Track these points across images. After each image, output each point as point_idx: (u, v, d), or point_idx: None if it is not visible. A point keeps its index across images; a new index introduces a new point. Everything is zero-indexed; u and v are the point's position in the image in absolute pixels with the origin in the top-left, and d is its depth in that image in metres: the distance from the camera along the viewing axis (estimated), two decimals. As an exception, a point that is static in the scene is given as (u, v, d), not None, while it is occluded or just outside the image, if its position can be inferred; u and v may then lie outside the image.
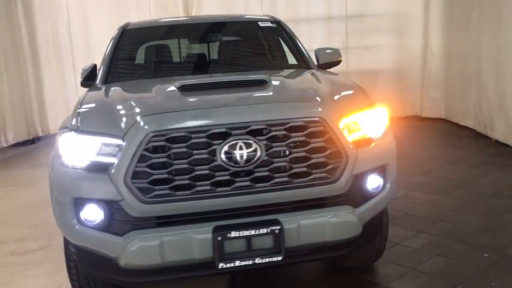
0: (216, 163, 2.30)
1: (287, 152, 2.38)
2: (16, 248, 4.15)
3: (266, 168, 2.36)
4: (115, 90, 3.06)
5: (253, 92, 2.74)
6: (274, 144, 2.36)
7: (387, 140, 2.74)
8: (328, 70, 3.87)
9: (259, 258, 2.34)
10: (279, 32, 4.12)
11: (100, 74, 3.67)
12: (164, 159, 2.28)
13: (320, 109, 2.46)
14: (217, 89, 2.89)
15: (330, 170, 2.44)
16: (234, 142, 2.30)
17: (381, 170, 2.66)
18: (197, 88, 2.83)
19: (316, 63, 3.94)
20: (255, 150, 2.32)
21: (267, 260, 2.35)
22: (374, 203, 2.62)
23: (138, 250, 2.28)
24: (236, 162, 2.30)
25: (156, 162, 2.28)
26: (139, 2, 9.65)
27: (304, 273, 3.39)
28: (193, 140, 2.30)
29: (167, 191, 2.29)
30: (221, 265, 2.31)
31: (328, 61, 4.00)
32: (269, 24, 4.15)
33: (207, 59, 4.06)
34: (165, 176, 2.29)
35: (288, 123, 2.38)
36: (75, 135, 2.45)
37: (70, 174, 2.43)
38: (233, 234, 2.30)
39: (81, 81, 3.80)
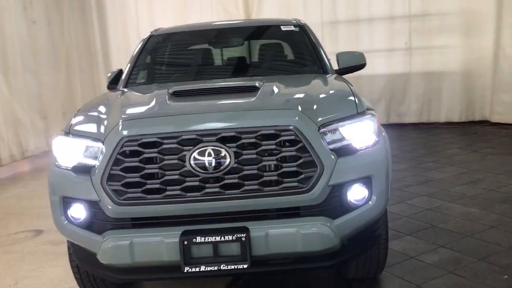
0: (186, 168, 2.35)
1: (258, 160, 2.37)
2: (53, 238, 4.47)
3: (236, 176, 2.37)
4: (121, 94, 3.22)
5: (238, 99, 2.75)
6: (244, 152, 2.36)
7: (375, 150, 2.63)
8: (346, 75, 3.77)
9: (224, 265, 2.36)
10: (301, 36, 4.08)
11: (122, 78, 3.86)
12: (137, 163, 2.37)
13: (293, 117, 2.41)
14: (207, 95, 2.94)
15: (302, 179, 2.40)
16: (203, 148, 2.33)
17: (366, 182, 2.56)
18: (188, 94, 2.90)
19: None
20: (224, 157, 2.34)
21: (232, 267, 2.36)
22: (355, 215, 2.52)
23: (110, 249, 2.39)
24: (205, 168, 2.34)
25: (129, 166, 2.38)
26: (201, 5, 9.93)
27: (307, 280, 3.35)
28: (164, 146, 2.36)
29: (139, 194, 2.39)
30: (186, 269, 2.35)
31: (348, 66, 3.90)
32: (292, 28, 4.12)
33: (225, 64, 4.11)
34: (138, 179, 2.38)
35: (259, 131, 2.37)
36: (65, 137, 2.62)
37: (60, 174, 2.60)
38: (199, 239, 2.34)
39: (107, 85, 4.03)
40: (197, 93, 2.96)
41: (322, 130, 2.47)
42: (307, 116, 2.46)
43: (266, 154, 2.38)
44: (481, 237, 3.84)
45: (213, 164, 2.33)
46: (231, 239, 2.33)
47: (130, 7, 10.29)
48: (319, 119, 2.50)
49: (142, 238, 2.38)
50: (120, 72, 4.01)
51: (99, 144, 2.47)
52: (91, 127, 2.60)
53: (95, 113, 2.74)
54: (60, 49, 9.22)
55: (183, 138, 2.36)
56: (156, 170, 2.37)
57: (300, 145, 2.38)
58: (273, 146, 2.37)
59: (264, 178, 2.38)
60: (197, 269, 2.36)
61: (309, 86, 2.99)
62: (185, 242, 2.34)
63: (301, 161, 2.39)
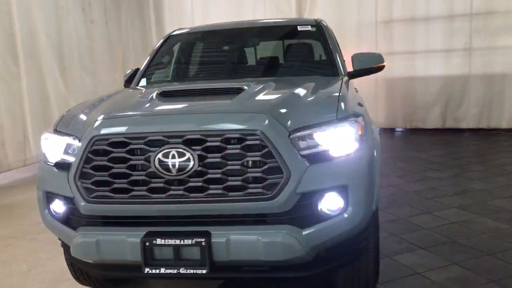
0: (151, 170, 2.35)
1: (223, 164, 2.32)
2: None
3: (201, 179, 2.33)
4: (115, 93, 3.29)
5: (215, 100, 2.72)
6: (209, 155, 2.32)
7: (355, 158, 2.48)
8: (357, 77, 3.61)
9: (184, 268, 2.33)
10: (316, 36, 3.95)
11: (136, 77, 3.96)
12: (105, 163, 2.41)
13: (260, 122, 2.33)
14: (190, 96, 2.92)
15: (267, 185, 2.31)
16: (168, 150, 2.32)
17: (341, 191, 2.42)
18: (173, 95, 2.90)
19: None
20: (188, 160, 2.31)
21: (191, 271, 2.33)
22: (328, 225, 2.39)
23: (79, 244, 2.45)
24: (169, 170, 2.32)
25: (99, 164, 2.42)
26: (255, 4, 9.95)
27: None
28: (131, 146, 2.38)
29: (107, 193, 2.42)
30: (147, 270, 2.36)
31: (362, 68, 3.73)
32: (308, 28, 4.01)
33: (232, 65, 4.07)
34: (106, 178, 2.42)
35: (224, 134, 2.31)
36: (51, 134, 2.72)
37: (46, 169, 2.71)
38: (160, 241, 2.33)
39: (124, 83, 4.14)
40: (182, 94, 2.95)
41: (293, 135, 2.37)
42: (277, 121, 2.36)
43: (231, 158, 2.32)
44: (502, 256, 3.53)
45: (177, 166, 2.31)
46: (190, 243, 2.30)
47: (186, 6, 10.53)
48: (292, 124, 2.40)
49: (107, 236, 2.41)
50: (137, 71, 4.11)
51: (77, 142, 2.53)
52: (73, 126, 2.67)
53: (81, 112, 2.81)
54: (117, 49, 9.62)
55: (149, 139, 2.36)
56: (124, 170, 2.39)
57: (265, 150, 2.30)
58: (238, 151, 2.31)
59: (229, 183, 2.32)
60: (157, 271, 2.35)
61: (297, 89, 2.88)
62: (147, 244, 2.34)
63: (266, 166, 2.30)
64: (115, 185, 2.41)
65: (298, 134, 2.39)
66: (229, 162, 2.31)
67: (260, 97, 2.70)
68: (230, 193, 2.32)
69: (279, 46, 4.15)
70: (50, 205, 2.67)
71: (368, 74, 3.93)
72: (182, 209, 2.36)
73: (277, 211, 2.33)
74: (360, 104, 2.96)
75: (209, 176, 2.33)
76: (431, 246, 3.76)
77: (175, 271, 2.34)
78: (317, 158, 2.41)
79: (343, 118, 2.52)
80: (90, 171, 2.43)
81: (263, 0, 9.91)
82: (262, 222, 2.37)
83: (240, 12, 9.94)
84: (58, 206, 2.63)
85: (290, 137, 2.36)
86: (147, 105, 2.73)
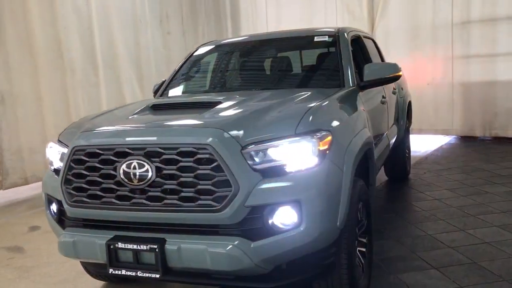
0: (117, 179, 2.57)
1: (177, 176, 2.46)
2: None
3: (159, 189, 2.49)
4: (119, 107, 3.56)
5: (187, 114, 2.87)
6: (166, 167, 2.47)
7: (312, 173, 2.48)
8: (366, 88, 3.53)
9: (140, 272, 2.51)
10: (330, 47, 3.92)
11: (161, 88, 4.25)
12: (82, 171, 2.67)
13: (210, 136, 2.42)
14: (171, 110, 3.10)
15: (216, 198, 2.41)
16: (130, 161, 2.52)
17: (295, 206, 2.44)
18: (160, 108, 3.10)
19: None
20: (147, 171, 2.49)
21: (147, 275, 2.50)
22: (280, 239, 2.42)
23: (61, 243, 2.74)
24: (131, 180, 2.52)
25: (77, 172, 2.69)
26: (326, 9, 9.91)
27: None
28: (102, 157, 2.61)
29: (83, 198, 2.68)
30: (110, 270, 2.57)
31: (373, 78, 3.64)
32: (325, 39, 3.99)
33: (244, 77, 4.16)
34: (83, 185, 2.68)
35: (179, 148, 2.45)
36: (54, 143, 3.05)
37: (48, 175, 3.05)
38: (121, 245, 2.53)
39: (153, 94, 4.44)
40: (163, 107, 3.14)
41: (247, 150, 2.44)
42: (230, 135, 2.45)
43: (185, 171, 2.45)
44: (521, 283, 3.24)
45: (137, 176, 2.50)
46: (146, 248, 2.47)
47: (261, 14, 10.79)
48: (246, 138, 2.47)
49: (82, 237, 2.67)
50: (163, 83, 4.39)
51: (66, 150, 2.83)
52: (68, 136, 2.98)
53: (79, 125, 3.11)
54: (193, 58, 10.13)
55: (116, 151, 2.57)
56: (96, 178, 2.63)
57: (215, 164, 2.40)
58: (191, 164, 2.43)
59: (183, 194, 2.46)
60: (119, 272, 2.56)
61: (270, 103, 2.93)
62: (111, 246, 2.55)
63: (215, 180, 2.40)
64: (90, 191, 2.66)
65: (252, 148, 2.45)
66: (183, 174, 2.45)
67: (226, 111, 2.79)
68: (184, 204, 2.46)
69: (293, 57, 4.18)
70: (50, 206, 3.00)
71: (381, 85, 3.82)
72: (143, 216, 2.55)
73: (226, 222, 2.41)
74: (343, 118, 2.92)
75: (165, 186, 2.48)
76: (446, 266, 3.55)
77: (133, 274, 2.53)
78: (271, 172, 2.46)
79: (302, 133, 2.53)
80: (72, 177, 2.71)
81: (334, 5, 9.83)
82: (214, 232, 2.47)
83: (311, 18, 9.98)
84: (55, 208, 2.95)
85: (243, 151, 2.43)
86: (126, 119, 2.96)
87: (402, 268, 3.57)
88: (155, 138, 2.54)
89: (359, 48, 4.50)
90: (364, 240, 3.21)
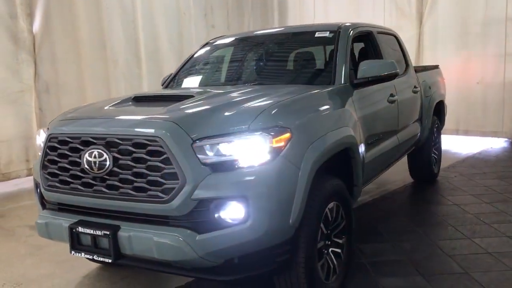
0: (82, 166, 2.70)
1: (131, 167, 2.55)
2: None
3: (116, 178, 2.60)
4: (107, 100, 3.68)
5: (154, 107, 2.94)
6: (122, 157, 2.57)
7: (263, 169, 2.47)
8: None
9: (96, 255, 2.63)
10: (329, 43, 3.84)
11: (167, 80, 4.38)
12: (55, 157, 2.83)
13: (161, 129, 2.48)
14: (153, 101, 3.17)
15: (165, 189, 2.47)
16: (92, 150, 2.64)
17: (242, 201, 2.45)
18: (143, 100, 3.19)
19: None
20: (105, 160, 2.60)
21: (101, 259, 2.62)
22: (226, 233, 2.44)
23: (37, 224, 2.92)
24: (92, 168, 2.64)
25: (51, 158, 2.85)
26: (374, 5, 9.65)
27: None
28: (71, 145, 2.76)
29: (55, 183, 2.84)
30: (72, 252, 2.72)
31: (367, 76, 3.55)
32: (325, 35, 3.91)
33: (241, 71, 4.15)
34: (55, 171, 2.84)
35: (133, 139, 2.54)
36: (42, 130, 3.25)
37: (36, 160, 3.26)
38: (80, 229, 2.66)
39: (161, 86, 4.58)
40: (146, 99, 3.23)
41: (198, 144, 2.48)
42: (181, 128, 2.49)
43: (138, 162, 2.53)
44: (506, 298, 3.04)
45: (97, 165, 2.62)
46: (101, 234, 2.59)
47: (308, 7, 10.68)
48: (198, 132, 2.50)
49: (52, 220, 2.84)
50: (170, 76, 4.52)
51: None
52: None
53: (66, 113, 3.28)
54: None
55: (82, 139, 2.70)
56: (65, 165, 2.78)
57: (164, 156, 2.46)
58: (143, 155, 2.51)
59: (135, 184, 2.54)
60: (80, 255, 2.70)
61: (239, 98, 2.94)
62: (73, 230, 2.70)
63: (164, 172, 2.46)
64: (61, 177, 2.81)
65: (204, 142, 2.48)
66: (136, 165, 2.53)
67: (190, 105, 2.84)
68: (137, 193, 2.54)
69: (293, 53, 4.12)
70: (37, 189, 3.20)
71: (376, 83, 3.70)
72: (102, 203, 2.66)
73: (173, 214, 2.47)
74: (312, 116, 2.88)
75: (121, 176, 2.58)
76: (435, 274, 3.39)
77: (91, 257, 2.66)
78: (222, 167, 2.49)
79: (256, 129, 2.52)
80: (47, 163, 2.88)
81: (382, 1, 9.54)
82: (165, 223, 2.53)
83: (359, 13, 9.75)
84: (37, 191, 3.15)
85: (194, 145, 2.47)
86: (101, 110, 3.09)
87: (388, 272, 3.46)
88: (113, 129, 2.64)
89: (370, 44, 4.36)
90: (340, 241, 3.15)
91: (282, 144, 2.57)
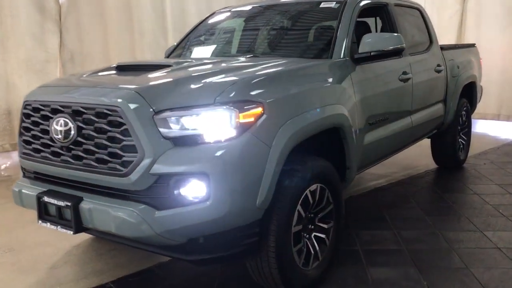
0: (50, 135, 2.62)
1: (93, 137, 2.44)
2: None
3: (80, 148, 2.50)
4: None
5: (126, 76, 2.82)
6: (85, 127, 2.47)
7: (227, 146, 2.30)
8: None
9: (60, 226, 2.57)
10: (333, 15, 3.56)
11: (169, 51, 4.26)
12: (28, 125, 2.77)
13: (122, 98, 2.34)
14: (131, 70, 3.02)
15: (124, 162, 2.35)
16: (58, 119, 2.55)
17: (203, 179, 2.29)
18: (124, 69, 3.07)
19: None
20: (70, 130, 2.50)
21: (64, 230, 2.55)
22: (185, 212, 2.30)
23: (13, 192, 2.89)
24: (58, 137, 2.56)
25: (26, 126, 2.79)
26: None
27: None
28: (42, 112, 2.68)
29: (29, 151, 2.79)
30: (39, 222, 2.67)
31: (369, 50, 3.28)
32: (331, 5, 3.64)
33: (243, 42, 3.93)
34: (29, 138, 2.78)
35: (95, 108, 2.43)
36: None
37: None
38: (46, 199, 2.60)
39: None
40: (127, 68, 3.09)
41: (160, 115, 2.33)
42: (143, 99, 2.35)
43: (99, 132, 2.42)
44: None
45: (63, 134, 2.53)
46: (63, 205, 2.51)
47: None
48: (161, 104, 2.35)
49: (25, 188, 2.79)
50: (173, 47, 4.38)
51: None
52: None
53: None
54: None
55: (52, 107, 2.62)
56: (37, 133, 2.72)
57: (124, 127, 2.33)
58: (103, 125, 2.39)
59: (97, 155, 2.44)
60: (46, 225, 2.64)
61: (215, 70, 2.77)
62: (40, 199, 2.64)
63: (123, 143, 2.34)
64: (33, 145, 2.75)
65: (166, 114, 2.34)
66: (98, 135, 2.42)
67: (159, 74, 2.69)
68: (99, 165, 2.44)
69: (296, 24, 3.86)
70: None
71: (382, 58, 3.41)
72: (67, 173, 2.58)
73: (131, 188, 2.36)
74: (292, 91, 2.67)
75: (84, 146, 2.48)
76: (432, 267, 3.14)
77: (55, 228, 2.60)
78: (184, 141, 2.34)
79: (222, 103, 2.35)
80: (23, 131, 2.83)
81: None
82: (125, 197, 2.42)
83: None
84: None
85: (156, 116, 2.33)
86: (79, 78, 2.98)
87: (381, 262, 3.24)
88: (79, 97, 2.53)
89: (385, 17, 4.04)
90: (325, 226, 2.96)
91: (251, 119, 2.39)
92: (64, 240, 3.74)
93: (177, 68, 2.84)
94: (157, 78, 2.64)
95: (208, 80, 2.58)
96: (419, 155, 5.92)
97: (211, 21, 4.34)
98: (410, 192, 4.76)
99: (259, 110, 2.42)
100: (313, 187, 2.78)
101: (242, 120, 2.35)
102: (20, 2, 6.62)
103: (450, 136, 5.28)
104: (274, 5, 4.09)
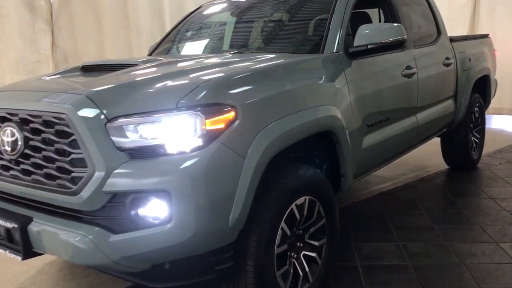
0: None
1: (41, 149, 2.12)
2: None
3: (29, 161, 2.19)
4: None
5: (90, 77, 2.49)
6: (32, 137, 2.15)
7: (188, 158, 1.96)
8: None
9: (9, 251, 2.25)
10: (327, 6, 3.19)
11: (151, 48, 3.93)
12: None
13: (69, 104, 2.01)
14: (95, 71, 2.69)
15: (74, 178, 2.03)
16: (5, 128, 2.24)
17: (165, 197, 1.96)
18: (88, 69, 2.74)
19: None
20: (17, 140, 2.19)
21: (13, 255, 2.24)
22: (144, 235, 1.97)
23: None
24: (6, 149, 2.25)
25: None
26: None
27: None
28: (-8, 121, 2.37)
29: None
30: (-12, 245, 2.36)
31: (364, 43, 2.92)
32: (325, -6, 3.28)
33: (231, 38, 3.58)
34: None
35: (41, 116, 2.10)
36: None
37: None
38: (-7, 219, 2.29)
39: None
40: (91, 69, 2.76)
41: (113, 123, 2.00)
42: (95, 105, 2.02)
43: (47, 143, 2.10)
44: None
45: (10, 146, 2.21)
46: (10, 226, 2.19)
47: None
48: (115, 109, 2.02)
49: None
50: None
51: None
52: None
53: None
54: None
55: (0, 115, 2.30)
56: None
57: (72, 138, 2.01)
58: (50, 136, 2.08)
59: (45, 170, 2.12)
60: (-6, 249, 2.33)
61: (184, 69, 2.44)
62: (-11, 220, 2.33)
63: (71, 157, 2.02)
64: (-15, 158, 2.44)
65: (120, 122, 2.01)
66: (46, 147, 2.11)
67: (117, 76, 2.36)
68: (47, 181, 2.12)
69: (287, 16, 3.49)
70: None
71: (380, 52, 3.04)
72: (18, 190, 2.26)
73: (82, 208, 2.04)
74: (272, 91, 2.31)
75: (31, 160, 2.16)
76: (438, 286, 2.78)
77: (4, 252, 2.28)
78: (142, 153, 2.01)
79: (185, 107, 2.01)
80: None
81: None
82: (79, 218, 2.10)
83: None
84: None
85: (108, 125, 2.00)
86: (35, 81, 2.67)
87: (383, 280, 2.88)
88: (27, 104, 2.21)
89: (387, 7, 3.66)
90: (316, 243, 2.61)
91: (221, 126, 2.04)
92: (37, 258, 3.43)
93: (142, 67, 2.51)
94: (114, 79, 2.31)
95: (173, 81, 2.23)
96: (431, 154, 5.52)
97: (196, 15, 3.99)
98: (418, 197, 4.37)
99: (231, 114, 2.07)
100: (300, 200, 2.44)
101: (209, 127, 2.01)
102: (9, 1, 6.36)
103: (462, 134, 4.89)
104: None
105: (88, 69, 2.75)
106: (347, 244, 3.36)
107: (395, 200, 4.35)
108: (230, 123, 2.06)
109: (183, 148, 1.99)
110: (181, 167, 1.95)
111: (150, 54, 3.96)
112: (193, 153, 1.98)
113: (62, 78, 2.64)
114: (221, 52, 3.31)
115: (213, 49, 3.49)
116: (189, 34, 3.82)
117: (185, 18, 4.02)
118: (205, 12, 3.96)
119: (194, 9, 4.13)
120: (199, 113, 2.00)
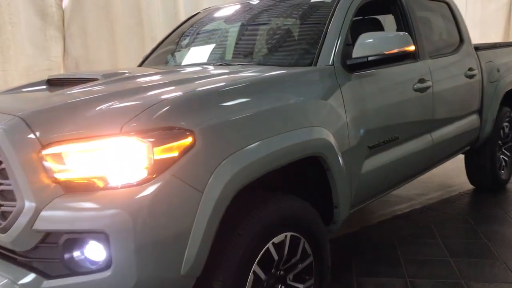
0: None
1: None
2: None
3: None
4: None
5: (40, 94, 2.22)
6: (-32, 163, 1.89)
7: (132, 193, 1.66)
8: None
9: None
10: (324, 13, 2.83)
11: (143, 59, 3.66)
12: None
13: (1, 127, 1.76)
14: (57, 86, 2.42)
15: (3, 213, 1.76)
16: None
17: (102, 240, 1.66)
18: (52, 83, 2.49)
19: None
20: (-48, 165, 1.94)
21: None
22: (80, 282, 1.69)
23: None
24: None
25: None
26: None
27: None
28: None
29: None
30: None
31: (364, 55, 2.55)
32: (322, 3, 2.93)
33: (214, 50, 3.26)
34: None
35: (-24, 140, 1.84)
36: None
37: None
38: None
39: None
40: (55, 82, 2.49)
41: (50, 150, 1.72)
42: (29, 128, 1.75)
43: None
44: None
45: None
46: None
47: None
48: (51, 134, 1.74)
49: None
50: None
51: None
52: None
53: None
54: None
55: None
56: None
57: (1, 166, 1.74)
58: (-16, 161, 1.81)
59: (-21, 201, 1.86)
60: None
61: (143, 85, 2.13)
62: None
63: (0, 188, 1.75)
64: None
65: (57, 149, 1.72)
66: (-25, 177, 1.84)
67: (65, 92, 2.08)
68: (-15, 215, 1.86)
69: (278, 25, 3.14)
70: None
71: (383, 64, 2.67)
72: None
73: (14, 248, 1.77)
74: (241, 112, 1.99)
75: (-31, 188, 1.90)
76: None
77: None
78: (78, 185, 1.72)
79: (131, 131, 1.71)
80: None
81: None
82: (13, 259, 1.83)
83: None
84: None
85: (44, 152, 1.72)
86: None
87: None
88: None
89: (398, 14, 3.27)
90: (301, 286, 2.25)
91: (174, 154, 1.73)
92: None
93: (99, 83, 2.22)
94: (59, 98, 2.03)
95: (124, 100, 1.93)
96: (457, 170, 5.04)
97: (188, 24, 3.70)
98: (436, 223, 3.94)
99: (187, 140, 1.76)
100: (279, 237, 2.09)
101: (159, 156, 1.70)
102: (20, 8, 6.26)
103: (488, 152, 4.42)
104: (257, 4, 3.40)
105: (52, 83, 2.49)
106: (347, 279, 2.98)
107: (409, 226, 3.93)
108: (186, 150, 1.75)
109: (126, 180, 1.69)
110: (121, 203, 1.65)
111: (140, 65, 3.70)
112: (137, 188, 1.67)
113: (17, 93, 2.39)
114: (206, 64, 3.00)
115: (199, 60, 3.18)
116: (179, 44, 3.53)
117: (176, 29, 3.75)
118: (195, 22, 3.66)
119: (185, 19, 3.84)
120: (146, 138, 1.69)
